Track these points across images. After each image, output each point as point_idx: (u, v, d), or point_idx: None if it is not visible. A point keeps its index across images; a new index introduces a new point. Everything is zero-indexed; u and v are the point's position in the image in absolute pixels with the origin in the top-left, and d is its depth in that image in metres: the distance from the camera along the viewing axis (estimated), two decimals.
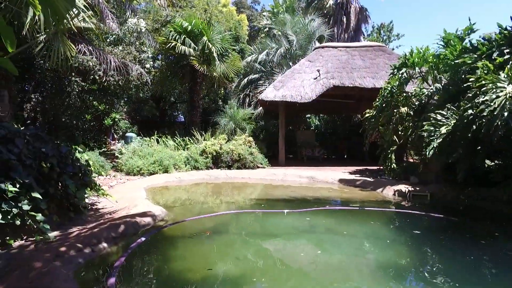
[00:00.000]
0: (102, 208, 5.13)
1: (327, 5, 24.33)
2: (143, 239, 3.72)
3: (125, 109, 23.19)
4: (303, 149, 14.18)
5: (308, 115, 20.84)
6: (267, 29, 24.11)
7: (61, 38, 8.33)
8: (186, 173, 9.29)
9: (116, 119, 22.26)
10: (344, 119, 20.49)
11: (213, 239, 3.97)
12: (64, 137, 9.81)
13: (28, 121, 9.15)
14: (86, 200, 5.51)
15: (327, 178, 8.66)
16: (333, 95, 13.24)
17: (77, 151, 4.97)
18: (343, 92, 12.91)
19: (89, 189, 5.01)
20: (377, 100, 8.71)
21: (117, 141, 27.63)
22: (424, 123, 6.03)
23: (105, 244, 3.48)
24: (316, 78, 11.72)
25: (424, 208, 5.47)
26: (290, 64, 16.98)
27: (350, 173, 9.59)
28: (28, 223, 3.47)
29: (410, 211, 5.21)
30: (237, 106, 14.50)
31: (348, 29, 23.04)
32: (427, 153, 5.68)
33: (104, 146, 20.36)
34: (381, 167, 9.20)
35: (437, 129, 5.75)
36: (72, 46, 8.41)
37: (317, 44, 18.82)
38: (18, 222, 3.36)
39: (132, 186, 7.24)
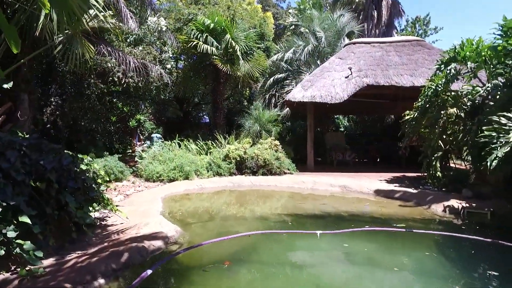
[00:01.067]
0: (111, 225, 4.59)
1: (357, 0, 23.13)
2: (149, 272, 3.10)
3: (150, 110, 23.16)
4: (333, 153, 13.28)
5: (336, 116, 19.84)
6: (293, 27, 23.27)
7: (79, 39, 7.96)
8: (208, 180, 8.71)
9: (141, 121, 22.26)
10: (376, 120, 19.34)
11: (233, 272, 3.30)
12: (84, 142, 9.53)
13: (48, 125, 8.91)
14: (97, 214, 5.03)
15: (362, 188, 7.79)
16: (365, 95, 12.29)
17: (84, 161, 4.41)
18: (378, 91, 11.95)
19: (96, 204, 4.49)
20: (419, 100, 7.75)
21: (143, 142, 27.82)
22: (484, 127, 5.08)
23: (101, 281, 2.88)
24: (348, 76, 10.83)
25: (488, 232, 4.53)
26: (318, 62, 16.10)
27: (387, 181, 8.64)
28: (14, 252, 2.95)
29: (471, 237, 4.29)
30: (263, 107, 13.80)
31: (379, 24, 21.74)
32: (489, 164, 4.74)
33: (129, 147, 20.37)
34: (422, 174, 8.23)
35: (501, 135, 4.80)
36: (90, 47, 8.03)
37: (346, 41, 17.85)
38: (2, 252, 2.85)
39: (148, 195, 6.72)
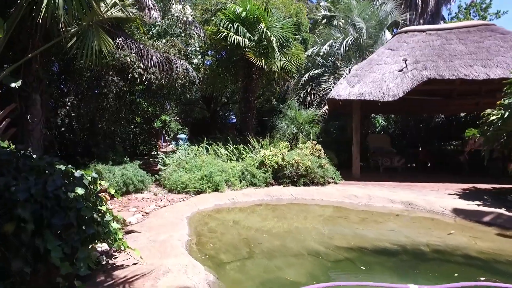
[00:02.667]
0: (120, 267, 3.39)
1: None
2: None
3: (175, 111, 22.30)
4: (379, 158, 11.71)
5: (373, 115, 18.04)
6: (325, 20, 21.64)
7: (95, 31, 6.90)
8: (241, 192, 7.44)
9: (166, 121, 21.43)
10: (420, 119, 17.41)
11: None
12: (103, 146, 8.52)
13: (63, 128, 7.96)
14: (105, 245, 3.87)
15: (433, 206, 6.23)
16: (414, 92, 10.59)
17: (84, 179, 3.20)
18: (431, 87, 10.22)
19: (99, 241, 3.31)
20: (510, 96, 6.10)
21: (168, 143, 27.09)
22: None
23: None
24: (402, 70, 9.25)
25: None
26: (357, 56, 14.52)
27: (460, 196, 7.02)
28: None
29: None
30: (298, 106, 12.37)
31: (424, 13, 19.69)
32: None
33: (154, 149, 19.55)
34: (499, 187, 6.60)
35: None
36: (108, 39, 6.96)
37: (387, 33, 16.13)
38: None
39: (172, 214, 5.52)
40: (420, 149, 13.85)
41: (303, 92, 14.60)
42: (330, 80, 14.19)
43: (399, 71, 9.25)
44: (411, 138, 16.91)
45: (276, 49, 9.36)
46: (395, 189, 7.96)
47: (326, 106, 13.37)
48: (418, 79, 8.68)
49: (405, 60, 9.25)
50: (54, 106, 7.98)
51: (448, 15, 21.66)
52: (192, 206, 6.26)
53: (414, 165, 13.96)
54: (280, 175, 8.32)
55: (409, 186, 8.45)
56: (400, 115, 16.22)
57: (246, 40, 9.20)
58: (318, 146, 9.08)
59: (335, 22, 17.46)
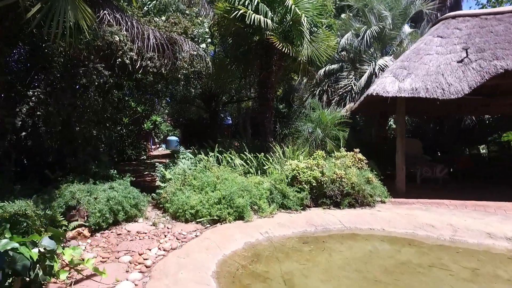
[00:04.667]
0: None
1: None
2: None
3: (166, 110, 20.08)
4: (417, 167, 9.88)
5: None
6: (329, 15, 19.84)
7: None
8: (274, 221, 5.43)
9: (157, 122, 19.25)
10: (438, 121, 15.72)
11: None
12: (81, 156, 6.37)
13: (24, 133, 5.76)
14: None
15: None
16: None
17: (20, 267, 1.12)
18: (491, 82, 8.45)
19: None
20: None
21: (158, 146, 24.68)
22: None
23: None
24: (463, 60, 7.43)
25: None
26: (380, 48, 12.74)
27: None
28: None
29: None
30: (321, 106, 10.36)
31: (443, 7, 18.12)
32: None
33: (143, 153, 17.35)
34: None
35: None
36: (88, 10, 4.89)
37: (406, 27, 14.41)
38: None
39: (189, 272, 3.47)
40: (463, 157, 12.04)
41: (318, 90, 12.68)
42: (350, 76, 12.34)
43: (459, 62, 7.43)
44: (428, 142, 15.19)
45: (307, 33, 7.36)
46: (469, 212, 6.10)
47: (348, 106, 11.53)
48: (490, 71, 6.85)
49: (466, 49, 7.44)
50: (12, 101, 5.78)
51: (475, 5, 20.00)
52: (214, 249, 4.21)
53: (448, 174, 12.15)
54: (317, 193, 6.34)
55: (481, 206, 6.59)
56: (434, 116, 14.48)
57: (269, 21, 7.18)
58: (360, 155, 7.16)
59: (343, 16, 15.66)
